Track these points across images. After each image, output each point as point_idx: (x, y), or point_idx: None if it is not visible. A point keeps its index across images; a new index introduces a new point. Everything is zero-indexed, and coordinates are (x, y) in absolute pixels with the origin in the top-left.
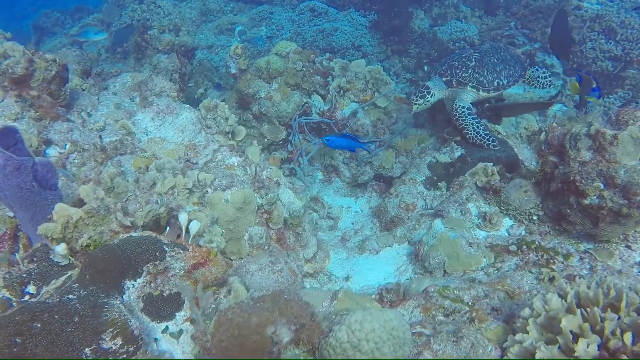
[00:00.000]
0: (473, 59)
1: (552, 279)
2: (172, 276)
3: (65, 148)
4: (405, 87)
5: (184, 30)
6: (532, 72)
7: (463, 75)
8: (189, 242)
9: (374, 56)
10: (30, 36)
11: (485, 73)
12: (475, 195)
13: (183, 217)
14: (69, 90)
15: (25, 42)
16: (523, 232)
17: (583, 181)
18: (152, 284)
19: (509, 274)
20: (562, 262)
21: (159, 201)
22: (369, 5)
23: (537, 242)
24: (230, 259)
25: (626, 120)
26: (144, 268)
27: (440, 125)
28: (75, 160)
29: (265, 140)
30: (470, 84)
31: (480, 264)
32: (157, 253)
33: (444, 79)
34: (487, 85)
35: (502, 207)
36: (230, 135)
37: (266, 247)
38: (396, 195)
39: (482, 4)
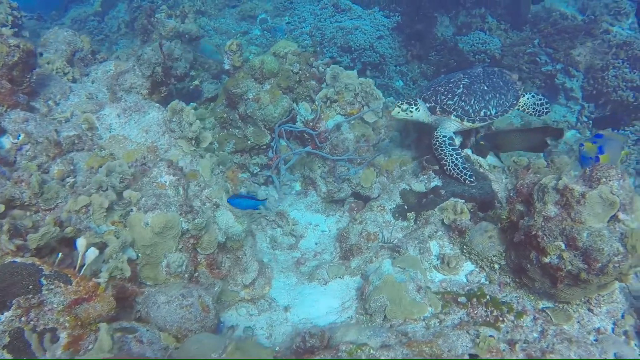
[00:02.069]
0: (461, 85)
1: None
2: (48, 311)
3: (18, 138)
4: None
5: (191, 17)
6: (528, 99)
7: (448, 102)
8: (82, 272)
9: (393, 59)
10: (60, 2)
11: (472, 102)
12: (440, 233)
13: (80, 244)
14: (34, 77)
15: (54, 7)
16: (483, 280)
17: (545, 238)
18: (22, 318)
19: (446, 332)
20: (512, 322)
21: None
22: (394, 6)
23: (488, 297)
24: (145, 284)
25: (599, 178)
26: (14, 301)
27: (424, 150)
28: (28, 153)
29: (249, 142)
30: (454, 112)
31: (423, 312)
32: (31, 286)
33: (427, 105)
34: (472, 115)
35: (464, 250)
36: (193, 142)
37: (186, 275)
38: (360, 222)
39: (510, 17)
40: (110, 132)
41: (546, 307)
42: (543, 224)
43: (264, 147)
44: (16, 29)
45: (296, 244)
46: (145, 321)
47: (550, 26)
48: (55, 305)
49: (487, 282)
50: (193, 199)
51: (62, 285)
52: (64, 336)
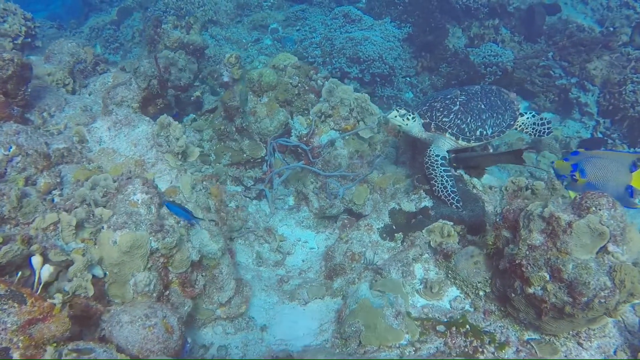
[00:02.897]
0: (458, 102)
1: None
2: (2, 330)
3: (9, 150)
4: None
5: (196, 28)
6: (527, 118)
7: (443, 119)
8: (38, 290)
9: (403, 71)
10: (81, 11)
11: (468, 120)
12: (426, 256)
13: (35, 261)
14: (29, 89)
15: (74, 16)
16: (467, 307)
17: (529, 267)
18: None
19: None
20: (493, 353)
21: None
22: (406, 17)
23: (468, 326)
24: (114, 302)
25: (588, 207)
26: None
27: (418, 168)
28: (18, 165)
29: (245, 155)
30: (450, 130)
31: (399, 340)
32: None
33: (422, 120)
34: (468, 134)
35: (449, 275)
36: (180, 156)
37: (154, 294)
38: (346, 241)
39: (524, 29)
40: (100, 145)
41: (532, 339)
42: (527, 252)
43: (260, 160)
44: (29, 39)
45: (282, 261)
46: (109, 340)
47: (567, 38)
48: (9, 325)
49: (472, 310)
50: (167, 217)
51: (16, 305)
52: (16, 356)
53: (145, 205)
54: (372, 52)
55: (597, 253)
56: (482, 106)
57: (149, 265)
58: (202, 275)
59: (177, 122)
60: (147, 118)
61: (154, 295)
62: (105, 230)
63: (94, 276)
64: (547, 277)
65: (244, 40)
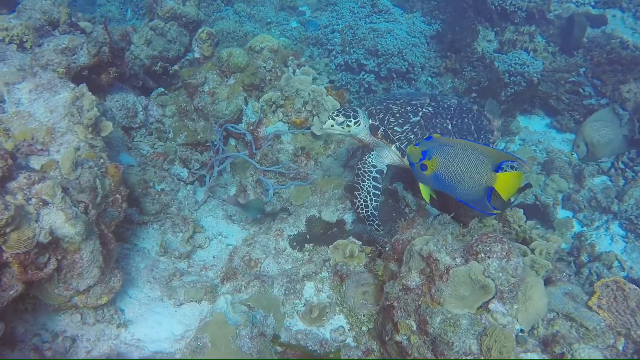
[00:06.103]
0: (420, 113)
1: None
2: None
3: None
4: None
5: (192, 0)
6: None
7: (395, 128)
8: None
9: (425, 69)
10: None
11: None
12: (324, 275)
13: None
14: None
15: None
16: (349, 341)
17: (399, 311)
18: None
19: None
20: None
21: None
22: (437, 13)
23: None
24: None
25: (477, 252)
26: None
27: None
28: None
29: (198, 137)
30: (398, 143)
31: None
32: None
33: (371, 120)
34: None
35: (339, 301)
36: (90, 129)
37: None
38: (250, 244)
39: (562, 39)
40: (17, 107)
41: None
42: (401, 294)
43: (210, 144)
44: None
45: (189, 254)
46: None
47: (606, 54)
48: None
49: (354, 345)
50: (15, 192)
51: None
52: None
53: None
54: (391, 46)
55: (478, 309)
56: (449, 127)
57: None
58: (56, 259)
59: (89, 93)
60: (72, 85)
61: None
62: None
63: None
64: (414, 327)
65: (267, 19)
